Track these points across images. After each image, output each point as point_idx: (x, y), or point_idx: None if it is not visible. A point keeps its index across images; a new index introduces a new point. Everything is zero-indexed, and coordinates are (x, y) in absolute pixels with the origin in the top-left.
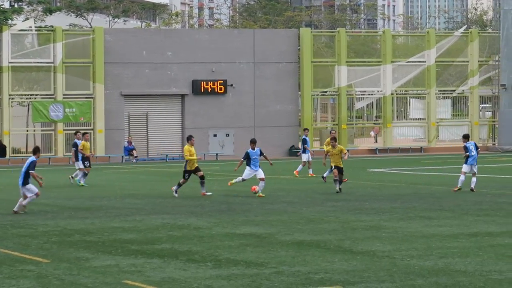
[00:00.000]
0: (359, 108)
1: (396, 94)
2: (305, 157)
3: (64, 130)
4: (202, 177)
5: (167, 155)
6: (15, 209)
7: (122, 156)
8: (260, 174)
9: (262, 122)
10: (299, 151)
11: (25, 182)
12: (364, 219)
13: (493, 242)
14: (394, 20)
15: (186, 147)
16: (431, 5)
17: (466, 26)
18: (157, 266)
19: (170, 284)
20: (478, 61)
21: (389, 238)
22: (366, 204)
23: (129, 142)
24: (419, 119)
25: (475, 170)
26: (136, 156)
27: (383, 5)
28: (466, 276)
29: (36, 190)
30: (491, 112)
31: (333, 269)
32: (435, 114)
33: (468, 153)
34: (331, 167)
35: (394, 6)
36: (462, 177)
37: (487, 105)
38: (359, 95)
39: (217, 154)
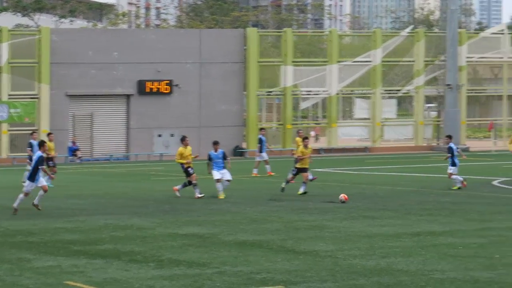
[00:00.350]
0: (304, 108)
1: (342, 94)
2: (265, 156)
3: (8, 130)
4: (191, 183)
5: (111, 156)
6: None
7: (66, 157)
8: (226, 174)
9: (208, 122)
10: (243, 151)
11: (32, 178)
12: (307, 219)
13: (435, 242)
14: (341, 20)
15: (180, 149)
16: (378, 5)
17: (412, 26)
18: (99, 266)
19: (112, 284)
20: (424, 61)
21: (332, 238)
22: (310, 204)
23: (73, 143)
24: (364, 119)
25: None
26: (80, 157)
27: (330, 5)
28: (408, 275)
29: (44, 183)
30: (436, 112)
31: (276, 269)
32: (380, 114)
33: (451, 154)
34: (294, 168)
35: (341, 6)
36: (455, 177)
37: (433, 104)
38: (304, 95)
39: (161, 154)
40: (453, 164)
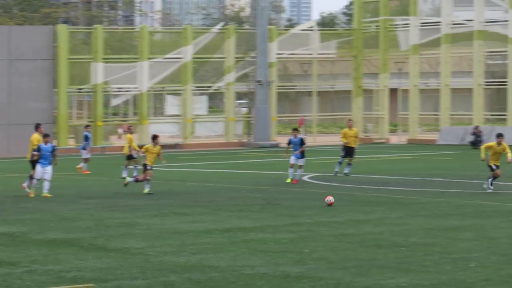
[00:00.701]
0: (115, 105)
1: (153, 90)
2: (85, 153)
3: None
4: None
5: None
6: None
7: None
8: (47, 174)
9: (17, 120)
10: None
11: None
12: (118, 216)
13: (246, 237)
14: (152, 17)
15: (36, 136)
16: (189, 2)
17: (223, 22)
18: None
19: None
20: (235, 58)
21: (143, 235)
22: (121, 201)
23: None
24: (176, 115)
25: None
26: None
27: (141, 2)
28: (219, 271)
29: None
30: (247, 108)
31: (86, 267)
32: (191, 110)
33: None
34: (144, 165)
35: (152, 2)
36: (292, 170)
37: (243, 101)
38: (115, 92)
39: None
40: (303, 156)
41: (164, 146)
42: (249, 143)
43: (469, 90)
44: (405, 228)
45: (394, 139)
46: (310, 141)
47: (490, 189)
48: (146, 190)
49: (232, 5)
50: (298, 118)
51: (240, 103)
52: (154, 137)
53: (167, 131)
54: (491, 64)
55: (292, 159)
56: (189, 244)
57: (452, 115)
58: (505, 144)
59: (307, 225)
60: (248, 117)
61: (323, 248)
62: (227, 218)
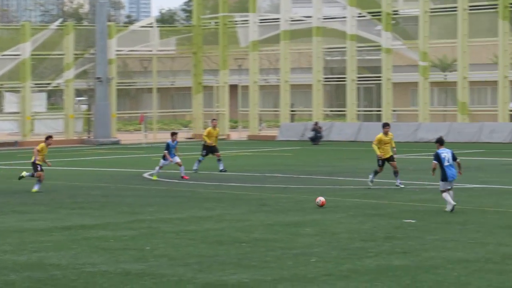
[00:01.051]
0: None
1: None
2: None
3: None
4: None
5: None
6: None
7: None
8: None
9: None
10: None
11: None
12: None
13: (87, 235)
14: None
15: None
16: None
17: (62, 19)
18: None
19: None
20: (74, 54)
21: None
22: None
23: None
24: (14, 113)
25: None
26: None
27: None
28: (60, 269)
29: None
30: (86, 105)
31: None
32: (30, 107)
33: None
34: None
35: None
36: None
37: (83, 98)
38: None
39: None
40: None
41: (2, 144)
42: (89, 140)
43: (309, 86)
44: (246, 224)
45: (235, 135)
46: (151, 137)
47: (371, 180)
48: (35, 189)
49: (71, 2)
50: (138, 115)
51: (79, 100)
52: (49, 137)
53: (5, 128)
54: (330, 60)
55: (166, 162)
56: (29, 242)
57: (293, 111)
58: (391, 133)
59: (148, 222)
60: (88, 114)
61: (164, 245)
62: (68, 216)
